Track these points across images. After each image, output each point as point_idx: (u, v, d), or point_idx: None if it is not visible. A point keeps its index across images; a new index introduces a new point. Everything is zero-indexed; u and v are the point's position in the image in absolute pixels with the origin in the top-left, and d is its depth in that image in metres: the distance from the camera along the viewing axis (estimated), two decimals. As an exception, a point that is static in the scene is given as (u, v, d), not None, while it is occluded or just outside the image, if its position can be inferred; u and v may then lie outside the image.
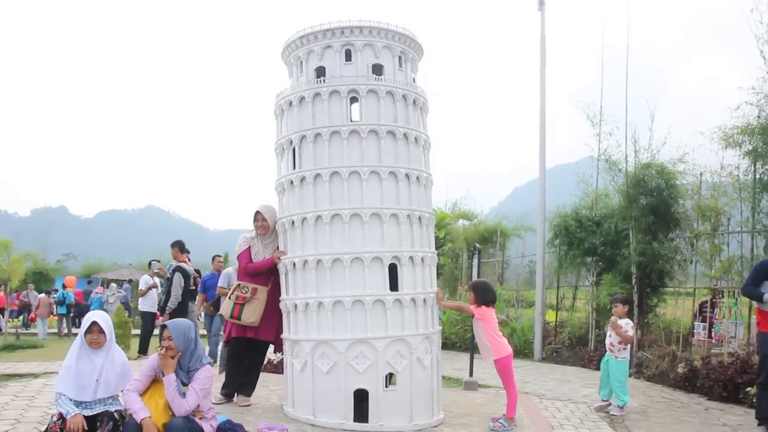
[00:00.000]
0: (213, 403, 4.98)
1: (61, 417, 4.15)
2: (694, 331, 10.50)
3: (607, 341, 7.22)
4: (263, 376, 8.46)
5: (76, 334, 17.17)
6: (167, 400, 4.26)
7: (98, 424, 4.23)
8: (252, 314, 6.03)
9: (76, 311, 19.17)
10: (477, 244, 8.78)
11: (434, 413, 5.71)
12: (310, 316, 5.55)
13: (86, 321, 4.52)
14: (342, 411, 5.36)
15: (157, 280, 11.62)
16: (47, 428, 4.15)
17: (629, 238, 11.62)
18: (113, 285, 22.25)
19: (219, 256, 10.68)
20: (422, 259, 5.74)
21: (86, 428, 4.15)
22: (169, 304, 9.49)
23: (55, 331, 17.87)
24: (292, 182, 5.81)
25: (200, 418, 4.41)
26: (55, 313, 18.05)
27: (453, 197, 21.53)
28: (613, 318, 7.06)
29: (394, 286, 5.53)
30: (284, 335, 5.95)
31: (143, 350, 10.86)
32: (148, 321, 11.21)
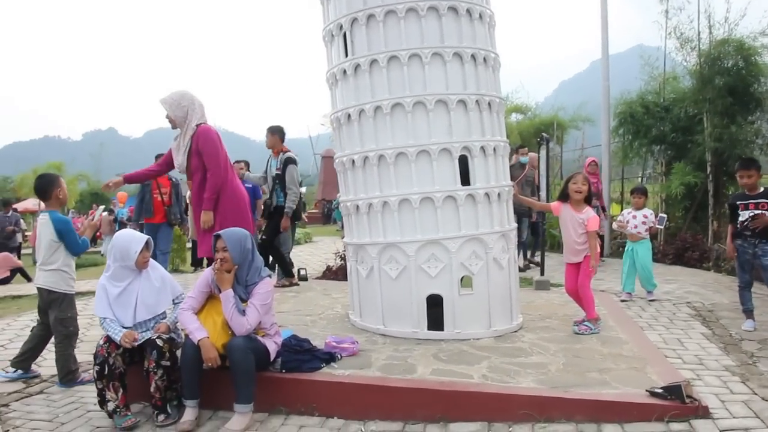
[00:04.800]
0: None
1: (108, 340, 3.84)
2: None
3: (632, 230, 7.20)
4: (324, 284, 8.16)
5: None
6: (226, 319, 3.85)
7: (145, 354, 3.89)
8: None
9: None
10: (545, 134, 8.07)
11: (513, 318, 5.23)
12: (374, 217, 5.06)
13: (137, 241, 4.10)
14: (414, 319, 4.94)
15: None
16: (95, 353, 3.82)
17: (703, 123, 10.88)
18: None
19: None
20: (494, 149, 5.12)
21: (137, 339, 3.87)
22: (288, 204, 7.37)
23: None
24: (345, 72, 5.20)
25: (263, 336, 4.01)
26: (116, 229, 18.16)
27: (503, 90, 20.55)
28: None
29: (465, 180, 4.95)
30: (346, 240, 5.51)
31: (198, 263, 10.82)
32: None
